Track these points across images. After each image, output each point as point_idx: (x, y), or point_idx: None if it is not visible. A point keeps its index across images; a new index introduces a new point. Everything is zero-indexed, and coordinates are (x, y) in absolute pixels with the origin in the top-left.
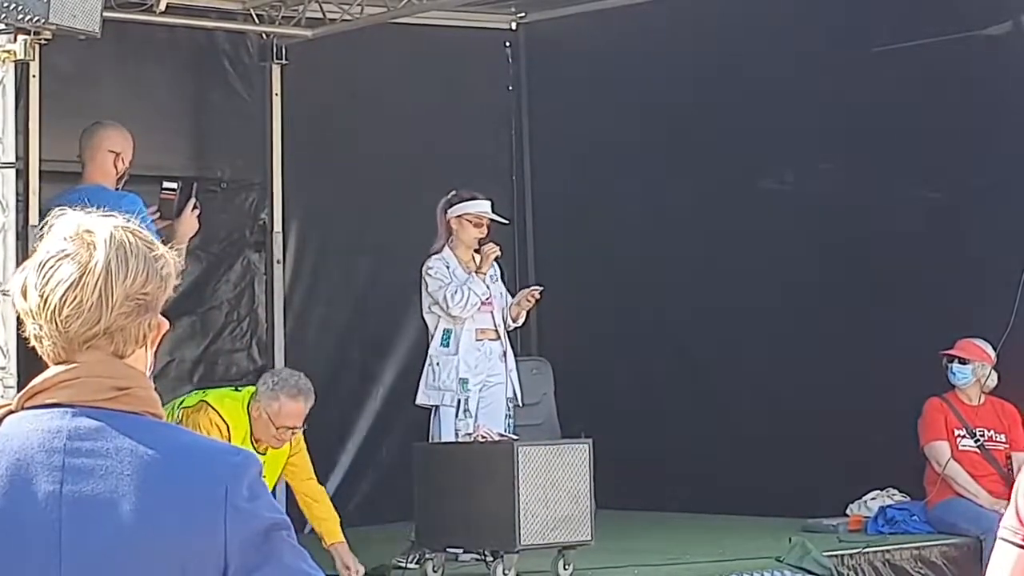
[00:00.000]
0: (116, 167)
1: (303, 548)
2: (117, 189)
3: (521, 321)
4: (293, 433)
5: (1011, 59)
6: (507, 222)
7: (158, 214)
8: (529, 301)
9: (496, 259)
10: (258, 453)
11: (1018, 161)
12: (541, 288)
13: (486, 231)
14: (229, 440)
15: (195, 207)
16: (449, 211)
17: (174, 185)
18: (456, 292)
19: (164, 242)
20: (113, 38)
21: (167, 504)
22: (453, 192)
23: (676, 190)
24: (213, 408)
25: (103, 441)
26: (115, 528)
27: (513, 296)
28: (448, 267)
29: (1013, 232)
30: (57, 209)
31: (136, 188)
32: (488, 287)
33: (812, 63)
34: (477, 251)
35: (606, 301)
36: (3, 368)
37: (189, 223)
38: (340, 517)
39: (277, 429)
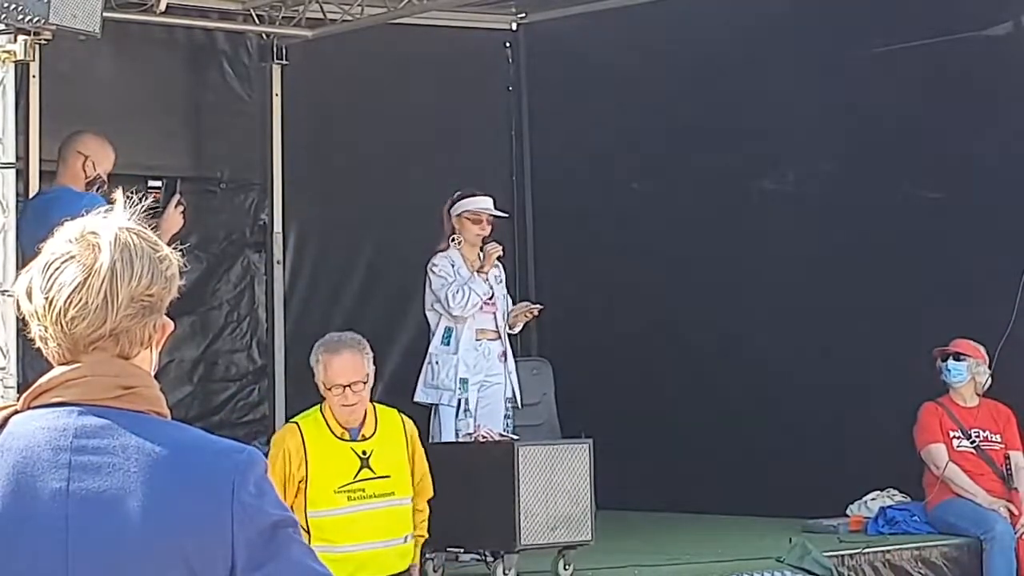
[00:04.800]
0: (85, 170)
1: (309, 546)
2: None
3: (518, 330)
4: (353, 391)
5: (1011, 59)
6: (506, 215)
7: (146, 213)
8: (527, 316)
9: (499, 259)
10: (361, 458)
11: (1018, 161)
12: (541, 307)
13: (488, 229)
14: (304, 447)
15: (179, 204)
16: (451, 211)
17: (159, 184)
18: (458, 292)
19: None
20: (113, 38)
21: (174, 501)
22: (458, 192)
23: (676, 190)
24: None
25: (110, 439)
26: (122, 525)
27: (514, 302)
28: (453, 265)
29: (1013, 232)
30: (31, 211)
31: (130, 188)
32: (492, 288)
33: (812, 63)
34: (482, 249)
35: (606, 301)
36: (3, 368)
37: (173, 220)
38: None
39: (331, 391)
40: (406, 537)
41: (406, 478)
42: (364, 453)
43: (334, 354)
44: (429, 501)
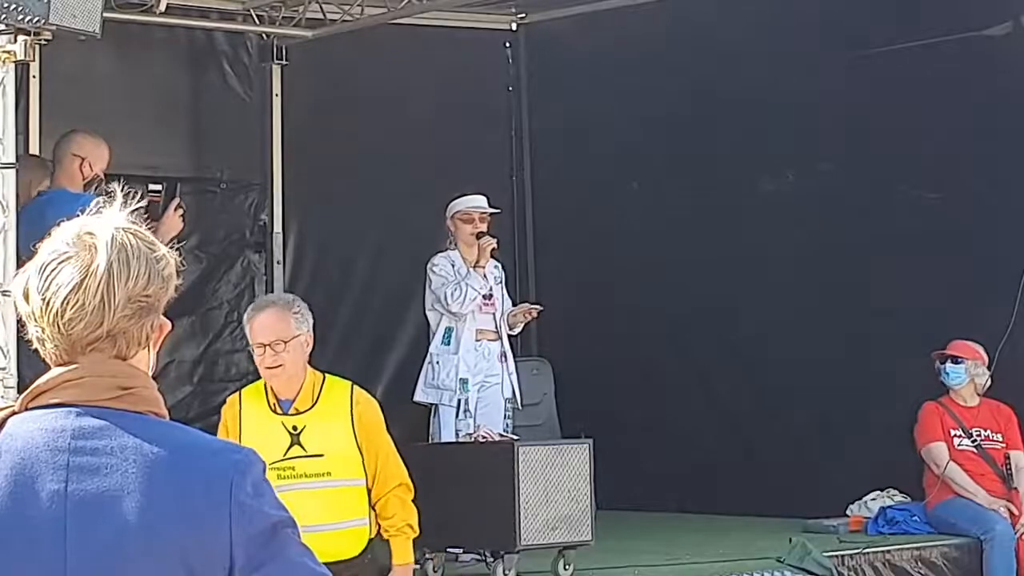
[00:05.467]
0: (82, 171)
1: (307, 546)
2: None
3: (517, 331)
4: (274, 351)
5: (1011, 59)
6: (497, 211)
7: (147, 215)
8: (527, 316)
9: (493, 252)
10: (292, 435)
11: (1018, 161)
12: (541, 308)
13: (482, 226)
14: (239, 419)
15: (178, 207)
16: (447, 214)
17: (159, 187)
18: (455, 289)
19: None
20: (113, 38)
21: (172, 501)
22: (454, 195)
23: (676, 190)
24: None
25: (108, 440)
26: (120, 525)
27: (514, 302)
28: (453, 265)
29: (1013, 232)
30: (27, 213)
31: (130, 189)
32: (491, 285)
33: (812, 63)
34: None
35: (606, 301)
36: (3, 368)
37: (172, 223)
38: None
39: (255, 352)
40: (357, 521)
41: (348, 458)
42: (295, 428)
43: (259, 311)
44: (420, 498)
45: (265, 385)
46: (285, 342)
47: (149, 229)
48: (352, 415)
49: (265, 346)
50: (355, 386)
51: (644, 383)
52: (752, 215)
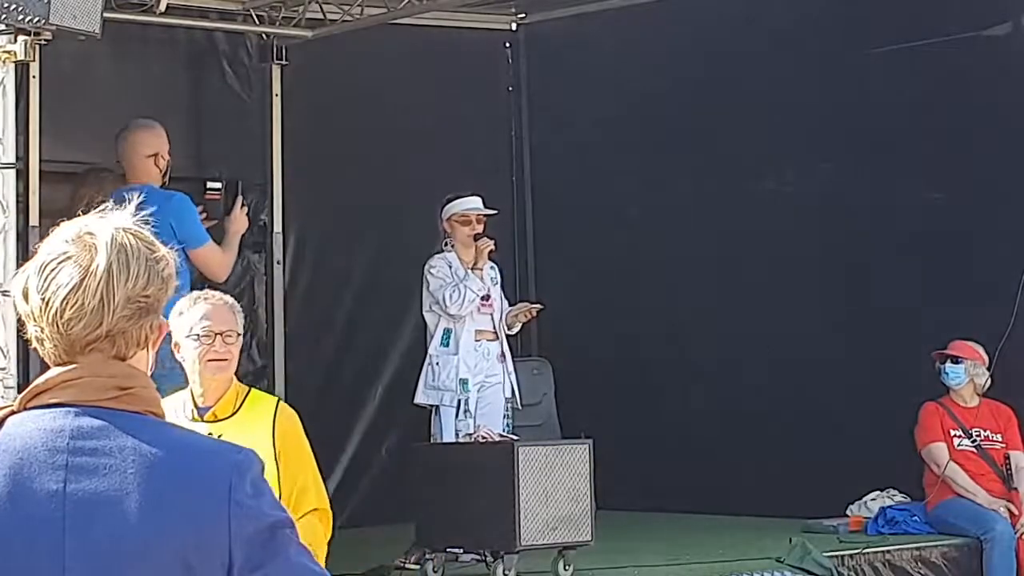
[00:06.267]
0: (158, 166)
1: (306, 547)
2: (164, 185)
3: (516, 330)
4: (225, 342)
5: (1011, 59)
6: (495, 212)
7: (204, 214)
8: (527, 316)
9: (496, 260)
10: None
11: (1018, 161)
12: (541, 307)
13: (479, 227)
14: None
15: (243, 205)
16: (442, 215)
17: (219, 185)
18: (454, 291)
19: (215, 240)
20: (113, 38)
21: (171, 501)
22: (447, 196)
23: (676, 190)
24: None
25: (106, 440)
26: (119, 526)
27: (511, 304)
28: (451, 267)
29: (1013, 232)
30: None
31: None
32: (488, 286)
33: (812, 63)
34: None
35: (606, 301)
36: (3, 368)
37: (240, 221)
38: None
39: (201, 341)
40: None
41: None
42: (210, 436)
43: (207, 301)
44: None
45: (191, 391)
46: (237, 334)
47: (213, 228)
48: (274, 428)
49: (217, 335)
50: (281, 401)
51: (644, 383)
52: (752, 215)
